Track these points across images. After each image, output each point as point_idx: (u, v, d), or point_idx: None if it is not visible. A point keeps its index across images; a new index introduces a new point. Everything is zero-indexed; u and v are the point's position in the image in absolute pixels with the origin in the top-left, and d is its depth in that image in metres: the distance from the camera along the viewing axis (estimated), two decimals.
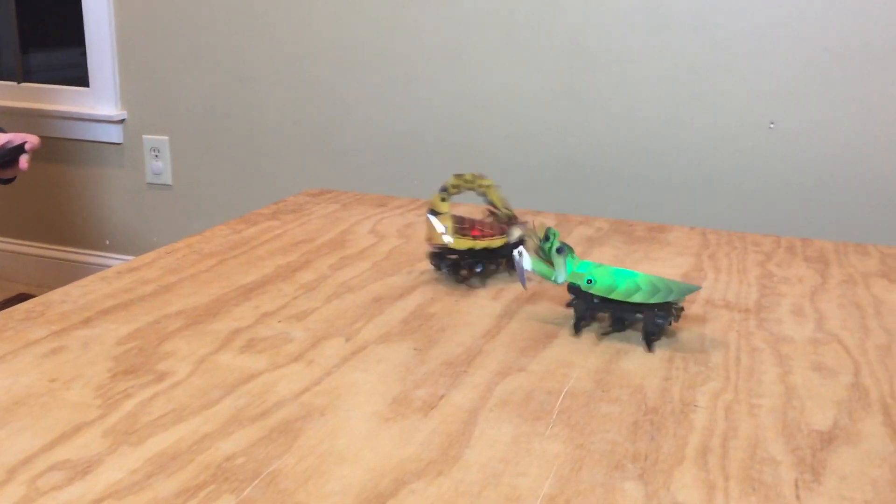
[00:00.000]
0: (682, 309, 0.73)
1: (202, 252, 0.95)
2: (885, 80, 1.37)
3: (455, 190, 0.88)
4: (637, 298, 0.71)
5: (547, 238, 0.74)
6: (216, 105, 1.80)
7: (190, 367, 0.66)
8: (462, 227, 0.86)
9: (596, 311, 0.75)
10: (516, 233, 0.85)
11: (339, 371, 0.66)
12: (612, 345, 0.72)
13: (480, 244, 0.86)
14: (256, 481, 0.51)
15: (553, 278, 0.74)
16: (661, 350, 0.71)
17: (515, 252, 0.75)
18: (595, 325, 0.76)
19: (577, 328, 0.75)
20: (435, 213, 0.86)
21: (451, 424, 0.58)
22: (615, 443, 0.56)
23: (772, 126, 1.42)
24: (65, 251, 2.05)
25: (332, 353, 0.69)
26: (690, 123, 1.48)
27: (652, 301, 0.71)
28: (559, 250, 0.74)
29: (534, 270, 0.75)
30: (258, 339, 0.72)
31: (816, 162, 1.42)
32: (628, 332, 0.74)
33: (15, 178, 1.22)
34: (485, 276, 0.89)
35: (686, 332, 0.75)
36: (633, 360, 0.69)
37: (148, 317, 0.76)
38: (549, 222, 1.18)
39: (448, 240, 0.85)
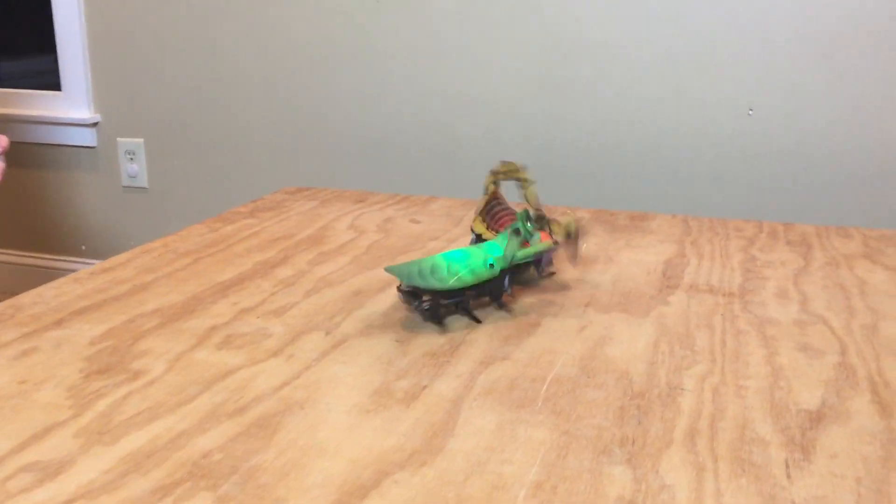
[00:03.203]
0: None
1: (178, 251, 0.94)
2: (863, 65, 1.37)
3: (502, 176, 0.85)
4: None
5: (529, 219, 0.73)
6: (191, 105, 1.78)
7: (165, 365, 0.64)
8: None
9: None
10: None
11: (319, 365, 0.64)
12: (597, 332, 0.71)
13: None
14: (234, 477, 0.49)
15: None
16: (647, 335, 0.70)
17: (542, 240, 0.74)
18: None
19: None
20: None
21: (435, 414, 0.57)
22: (602, 428, 0.55)
23: (751, 113, 1.42)
24: (40, 258, 2.02)
25: (312, 348, 0.68)
26: (670, 112, 1.48)
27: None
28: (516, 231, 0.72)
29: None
30: (236, 335, 0.70)
31: (796, 147, 1.42)
32: (619, 317, 0.73)
33: None
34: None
35: (671, 317, 0.74)
36: (618, 346, 0.68)
37: (122, 316, 0.74)
38: None
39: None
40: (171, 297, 0.79)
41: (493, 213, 0.87)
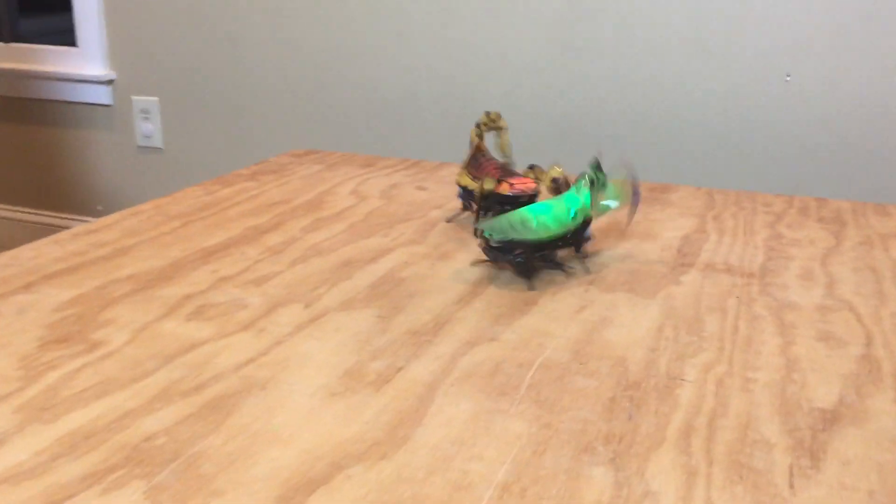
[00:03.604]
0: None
1: (169, 213, 0.89)
2: None
3: (484, 127, 0.87)
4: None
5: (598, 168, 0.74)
6: (207, 64, 1.73)
7: (128, 336, 0.60)
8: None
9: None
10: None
11: (291, 340, 0.60)
12: (597, 313, 0.65)
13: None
14: (173, 465, 0.45)
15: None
16: (651, 318, 0.64)
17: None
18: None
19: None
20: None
21: (405, 400, 0.52)
22: (587, 422, 0.49)
23: (788, 79, 1.33)
24: (56, 217, 2.00)
25: (287, 321, 0.63)
26: (699, 77, 1.40)
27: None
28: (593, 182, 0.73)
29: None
30: (209, 305, 0.66)
31: (835, 117, 1.33)
32: (623, 297, 0.68)
33: None
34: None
35: (680, 298, 0.68)
36: (618, 330, 0.62)
37: (95, 281, 0.70)
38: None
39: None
40: (150, 262, 0.75)
41: (478, 164, 0.86)
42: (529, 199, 0.79)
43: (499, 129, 0.86)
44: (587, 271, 0.74)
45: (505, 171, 0.82)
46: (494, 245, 0.70)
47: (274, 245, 0.80)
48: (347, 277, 0.72)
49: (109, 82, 1.81)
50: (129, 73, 1.79)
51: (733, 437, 0.48)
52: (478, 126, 0.87)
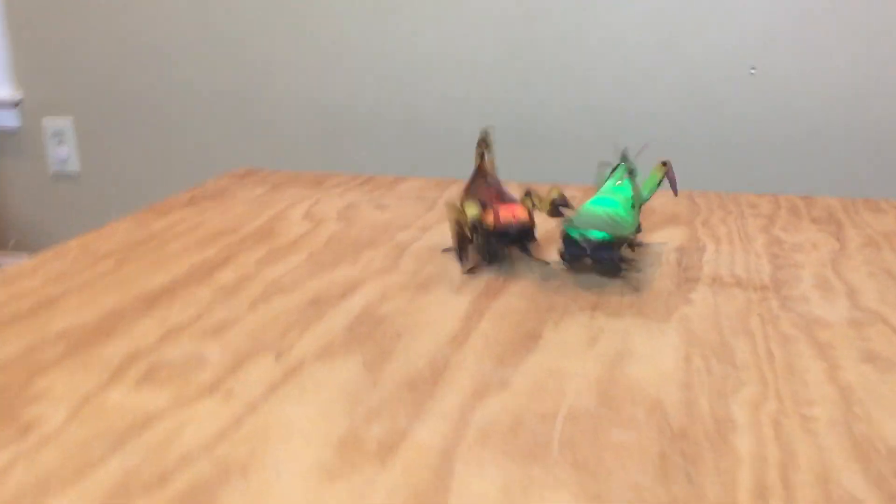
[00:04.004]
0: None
1: (97, 252, 0.78)
2: (878, 18, 1.25)
3: (484, 146, 0.78)
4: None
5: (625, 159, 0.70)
6: (126, 78, 1.60)
7: (67, 412, 0.50)
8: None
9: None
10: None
11: (266, 404, 0.50)
12: (612, 344, 0.58)
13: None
14: None
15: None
16: (673, 346, 0.57)
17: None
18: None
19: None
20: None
21: (419, 474, 0.43)
22: (641, 488, 0.42)
23: (753, 72, 1.29)
24: None
25: (258, 379, 0.53)
26: (660, 72, 1.35)
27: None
28: (631, 172, 0.69)
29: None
30: (161, 364, 0.56)
31: (804, 110, 1.29)
32: (635, 323, 0.60)
33: None
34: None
35: (697, 320, 0.61)
36: (641, 363, 0.55)
37: (18, 343, 0.59)
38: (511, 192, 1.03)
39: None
40: (83, 314, 0.64)
41: (476, 189, 0.76)
42: (519, 232, 0.70)
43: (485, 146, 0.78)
44: (637, 270, 0.70)
45: (502, 197, 0.73)
46: (594, 245, 0.64)
47: (227, 283, 0.70)
48: (319, 318, 0.63)
49: (16, 104, 1.65)
50: (38, 92, 1.64)
51: (815, 495, 0.41)
52: (478, 145, 0.78)
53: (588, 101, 1.38)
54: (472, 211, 0.69)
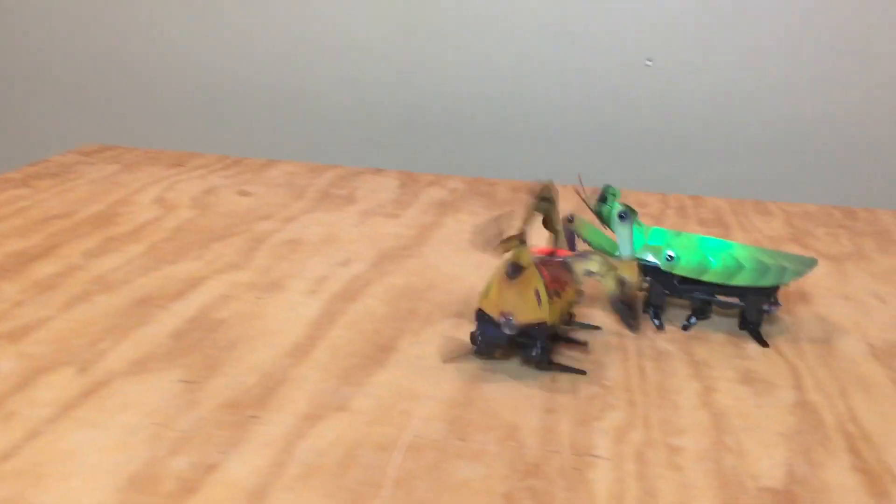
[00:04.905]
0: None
1: None
2: (775, 10, 1.23)
3: (546, 202, 0.54)
4: (740, 281, 0.53)
5: (604, 199, 0.55)
6: None
7: None
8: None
9: (675, 297, 0.57)
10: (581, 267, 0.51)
11: (54, 430, 0.42)
12: (472, 360, 0.52)
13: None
14: None
15: (616, 253, 0.56)
16: (537, 371, 0.51)
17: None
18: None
19: (658, 321, 0.56)
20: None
21: None
22: None
23: (648, 63, 1.26)
24: None
25: (51, 398, 0.45)
26: (553, 62, 1.30)
27: (761, 284, 0.53)
28: (622, 216, 0.55)
29: (589, 242, 0.57)
30: None
31: (697, 106, 1.27)
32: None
33: None
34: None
35: (578, 335, 0.56)
36: (500, 381, 0.49)
37: None
38: (392, 182, 0.96)
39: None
40: None
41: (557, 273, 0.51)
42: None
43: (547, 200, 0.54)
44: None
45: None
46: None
47: (44, 278, 0.61)
48: (143, 323, 0.55)
49: None
50: None
51: None
52: (538, 198, 0.52)
53: (481, 89, 1.32)
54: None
